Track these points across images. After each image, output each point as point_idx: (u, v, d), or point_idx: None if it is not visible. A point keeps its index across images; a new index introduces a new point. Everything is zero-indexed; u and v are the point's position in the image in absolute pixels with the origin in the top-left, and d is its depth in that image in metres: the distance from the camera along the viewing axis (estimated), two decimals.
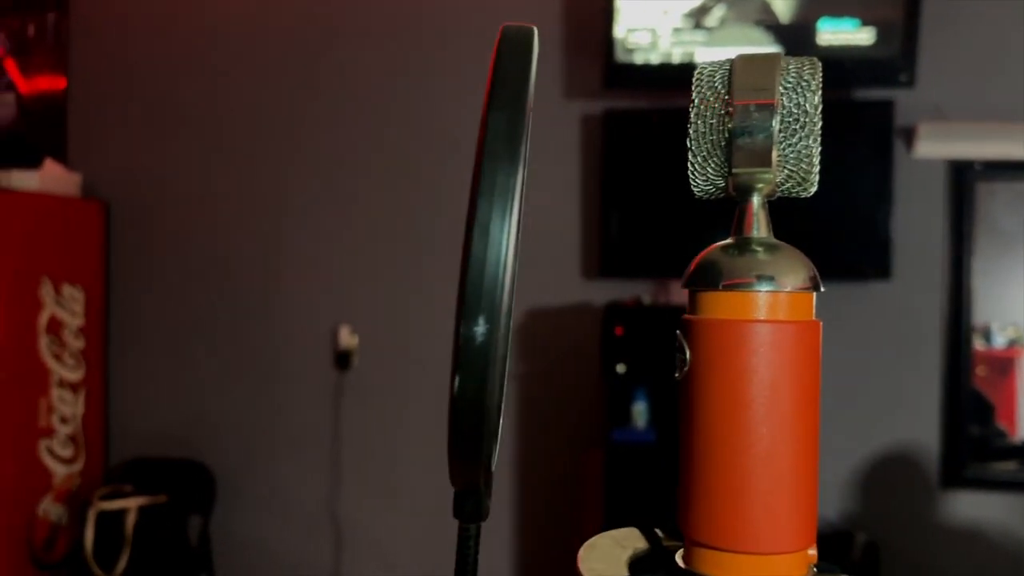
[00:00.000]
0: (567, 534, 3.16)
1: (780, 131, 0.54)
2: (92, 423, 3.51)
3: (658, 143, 2.98)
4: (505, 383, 0.62)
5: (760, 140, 0.54)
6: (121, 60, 3.66)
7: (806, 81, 0.54)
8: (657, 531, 0.64)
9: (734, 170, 0.55)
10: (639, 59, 2.94)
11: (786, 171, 0.55)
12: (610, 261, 3.11)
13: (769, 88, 0.53)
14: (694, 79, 0.56)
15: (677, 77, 2.74)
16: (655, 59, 2.93)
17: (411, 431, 3.28)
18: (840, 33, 2.83)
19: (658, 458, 2.80)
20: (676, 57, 2.92)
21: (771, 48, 2.85)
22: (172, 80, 3.60)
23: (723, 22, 2.90)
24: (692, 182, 0.57)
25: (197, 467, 3.43)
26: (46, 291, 3.32)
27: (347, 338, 3.36)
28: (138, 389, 3.63)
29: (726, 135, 0.55)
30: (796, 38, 2.86)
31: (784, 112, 0.54)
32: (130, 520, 3.19)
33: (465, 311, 0.45)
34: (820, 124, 0.54)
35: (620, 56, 2.95)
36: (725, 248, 0.56)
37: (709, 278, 0.55)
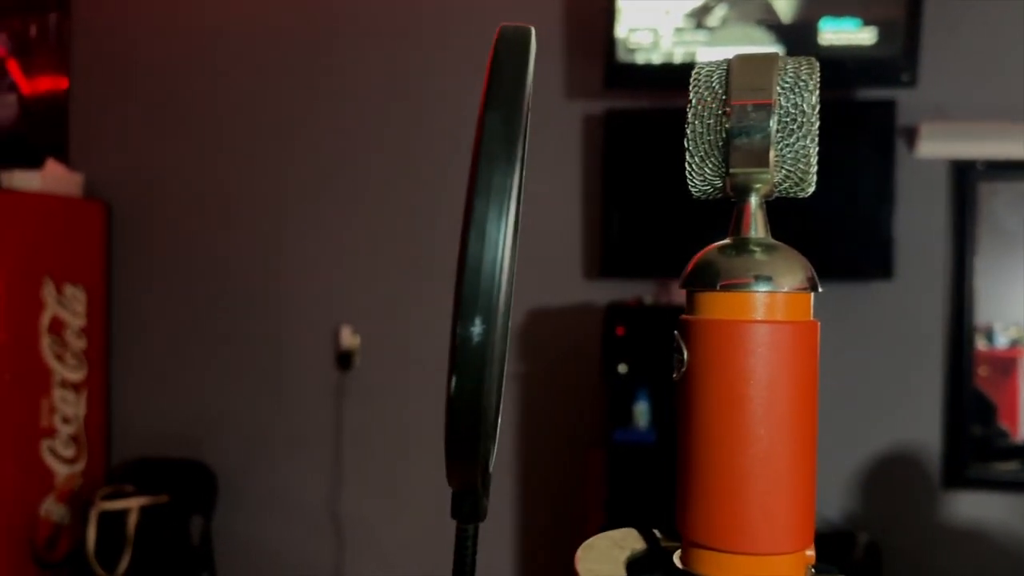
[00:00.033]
0: (569, 534, 3.16)
1: (777, 131, 0.54)
2: (94, 423, 3.51)
3: (660, 143, 2.98)
4: (503, 383, 0.62)
5: (757, 140, 0.54)
6: (123, 61, 3.67)
7: (803, 81, 0.54)
8: (655, 532, 0.64)
9: (731, 170, 0.55)
10: (641, 59, 2.94)
11: (784, 171, 0.55)
12: (611, 261, 3.11)
13: (766, 88, 0.53)
14: (691, 79, 0.56)
15: (679, 77, 2.72)
16: (657, 59, 2.93)
17: (413, 431, 3.28)
18: (842, 33, 2.82)
19: (660, 458, 2.80)
20: (678, 57, 2.92)
21: (773, 48, 2.84)
22: (174, 80, 3.61)
23: (725, 22, 2.90)
24: (690, 182, 0.57)
25: (199, 467, 3.43)
26: (48, 291, 3.32)
27: (349, 338, 3.36)
28: (140, 389, 3.63)
29: (723, 135, 0.55)
30: (798, 38, 2.85)
31: (781, 112, 0.53)
32: (132, 520, 3.19)
33: (461, 311, 0.45)
34: (818, 124, 0.54)
35: (621, 56, 2.94)
36: (723, 248, 0.56)
37: (707, 278, 0.55)
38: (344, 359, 3.36)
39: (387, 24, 3.38)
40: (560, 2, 3.20)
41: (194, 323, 3.57)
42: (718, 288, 0.54)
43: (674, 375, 0.56)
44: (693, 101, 0.56)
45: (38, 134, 3.74)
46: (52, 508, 3.33)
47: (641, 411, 2.89)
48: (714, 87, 0.55)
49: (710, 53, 2.86)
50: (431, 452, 3.14)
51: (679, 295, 3.21)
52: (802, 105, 0.53)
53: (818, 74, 0.54)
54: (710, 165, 0.56)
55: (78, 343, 3.43)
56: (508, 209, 0.45)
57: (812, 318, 0.55)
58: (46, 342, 3.31)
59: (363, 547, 3.39)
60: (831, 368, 2.91)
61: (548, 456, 3.22)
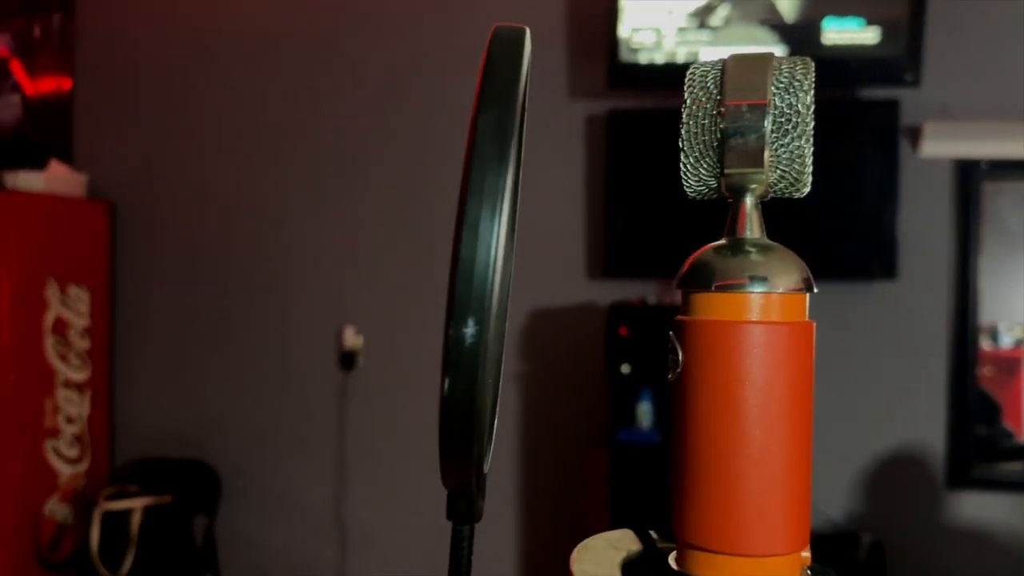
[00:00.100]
0: (572, 534, 3.15)
1: (772, 131, 0.53)
2: (98, 423, 3.52)
3: (663, 143, 2.97)
4: (500, 384, 0.62)
5: (752, 140, 0.53)
6: (126, 61, 3.67)
7: (798, 81, 0.53)
8: (651, 533, 0.64)
9: (726, 171, 0.55)
10: (643, 59, 2.94)
11: (779, 171, 0.54)
12: (615, 261, 3.11)
13: (761, 88, 0.53)
14: (686, 79, 0.56)
15: (682, 77, 2.73)
16: (659, 59, 2.93)
17: (415, 431, 3.28)
18: (845, 32, 2.82)
19: (663, 459, 2.79)
20: (681, 57, 2.91)
21: (776, 48, 2.84)
22: (177, 81, 3.61)
23: (728, 21, 2.90)
24: (685, 183, 0.57)
25: (202, 467, 3.43)
26: (52, 292, 3.33)
27: (352, 339, 3.37)
28: (144, 389, 3.64)
29: (718, 136, 0.54)
30: (801, 37, 2.85)
31: (776, 112, 0.53)
32: (135, 520, 3.19)
33: (454, 312, 0.45)
34: (813, 124, 0.54)
35: (624, 56, 2.94)
36: (718, 249, 0.56)
37: (702, 279, 0.55)
38: (347, 359, 3.36)
39: (390, 24, 3.38)
40: (563, 2, 3.20)
41: (198, 323, 3.58)
42: (713, 289, 0.54)
43: (669, 376, 0.56)
44: (688, 101, 0.56)
45: (42, 135, 3.75)
46: (56, 508, 3.34)
47: (644, 411, 2.89)
48: (709, 87, 0.55)
49: (713, 53, 2.86)
50: (434, 452, 3.12)
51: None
52: (797, 105, 0.53)
53: (813, 74, 0.54)
54: (705, 165, 0.56)
55: (82, 343, 3.44)
56: (501, 210, 0.45)
57: (808, 319, 0.55)
58: (50, 342, 3.32)
59: (366, 547, 3.40)
60: (834, 368, 2.92)
61: (551, 456, 3.22)
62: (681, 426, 0.55)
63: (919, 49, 2.79)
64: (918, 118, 2.88)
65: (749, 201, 0.56)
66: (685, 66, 0.56)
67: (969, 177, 2.93)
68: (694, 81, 0.56)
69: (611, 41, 2.94)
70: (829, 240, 2.91)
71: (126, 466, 3.58)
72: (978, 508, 2.93)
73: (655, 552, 0.61)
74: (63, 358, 3.36)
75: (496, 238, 0.45)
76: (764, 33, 2.86)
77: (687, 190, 0.58)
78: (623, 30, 2.93)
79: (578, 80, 3.19)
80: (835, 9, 2.82)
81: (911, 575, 2.91)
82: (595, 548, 0.61)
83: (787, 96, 0.53)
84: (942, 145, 2.88)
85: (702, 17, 2.90)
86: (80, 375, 3.43)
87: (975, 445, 2.94)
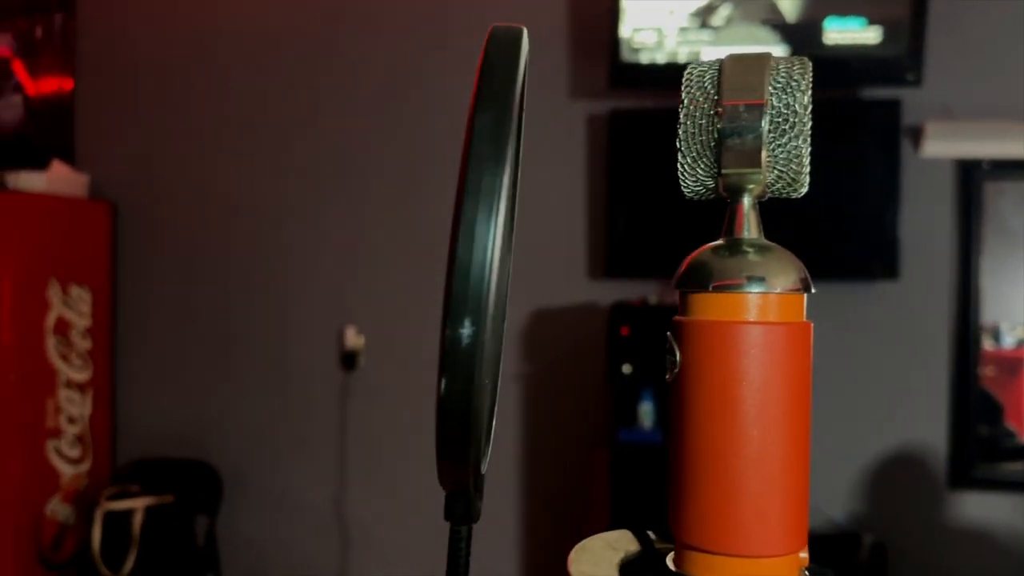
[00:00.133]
0: (573, 535, 3.15)
1: (769, 132, 0.53)
2: (99, 423, 3.52)
3: (664, 143, 2.96)
4: (498, 384, 0.61)
5: (749, 141, 0.53)
6: (128, 61, 3.68)
7: (796, 81, 0.53)
8: (649, 533, 0.63)
9: (724, 171, 0.55)
10: (645, 59, 2.94)
11: (776, 172, 0.54)
12: (616, 261, 3.11)
13: (758, 88, 0.53)
14: (683, 79, 0.56)
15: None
16: (661, 59, 2.92)
17: (417, 431, 3.28)
18: (847, 32, 2.81)
19: (664, 459, 2.79)
20: (682, 56, 2.91)
21: (777, 48, 2.84)
22: (179, 81, 3.61)
23: (729, 21, 2.90)
24: (682, 183, 0.57)
25: (204, 467, 3.44)
26: (53, 292, 3.33)
27: (353, 339, 3.37)
28: (145, 389, 3.64)
29: (715, 136, 0.54)
30: (803, 37, 2.85)
31: (773, 112, 0.53)
32: (137, 520, 3.20)
33: (450, 313, 0.45)
34: (810, 124, 0.53)
35: (626, 56, 2.94)
36: (715, 249, 0.56)
37: (699, 279, 0.54)
38: (348, 359, 3.37)
39: (391, 24, 3.38)
40: (564, 2, 3.20)
41: (199, 323, 3.58)
42: (711, 289, 0.54)
43: (667, 376, 0.56)
44: (685, 101, 0.56)
45: (43, 135, 3.75)
46: (57, 508, 3.34)
47: (646, 411, 2.88)
48: (706, 87, 0.55)
49: (715, 53, 2.85)
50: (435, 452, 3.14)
51: None
52: (794, 105, 0.53)
53: (811, 74, 0.54)
54: (702, 166, 0.56)
55: (83, 343, 3.44)
56: (497, 210, 0.45)
57: (806, 319, 0.55)
58: (51, 342, 3.32)
59: (367, 547, 3.40)
60: (836, 368, 2.92)
61: (552, 456, 3.21)
62: (678, 427, 0.55)
63: (921, 49, 2.78)
64: (920, 118, 2.88)
65: (747, 201, 0.56)
66: (686, 66, 0.56)
67: (971, 177, 2.92)
68: (691, 81, 0.56)
69: (612, 41, 2.94)
70: (831, 240, 2.91)
71: (127, 466, 3.58)
72: (980, 508, 2.93)
73: (653, 553, 0.61)
74: (65, 358, 3.36)
75: (492, 238, 0.45)
76: (766, 33, 2.86)
77: (684, 190, 0.58)
78: (624, 30, 2.93)
79: (579, 80, 3.19)
80: (837, 9, 2.82)
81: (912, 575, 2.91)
82: (593, 549, 0.61)
83: (784, 96, 0.53)
84: (944, 145, 2.88)
85: (704, 17, 2.90)
86: (82, 375, 3.43)
87: (977, 445, 2.93)
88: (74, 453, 3.40)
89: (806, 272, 0.55)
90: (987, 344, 2.95)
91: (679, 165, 0.56)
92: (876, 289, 2.94)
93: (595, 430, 3.14)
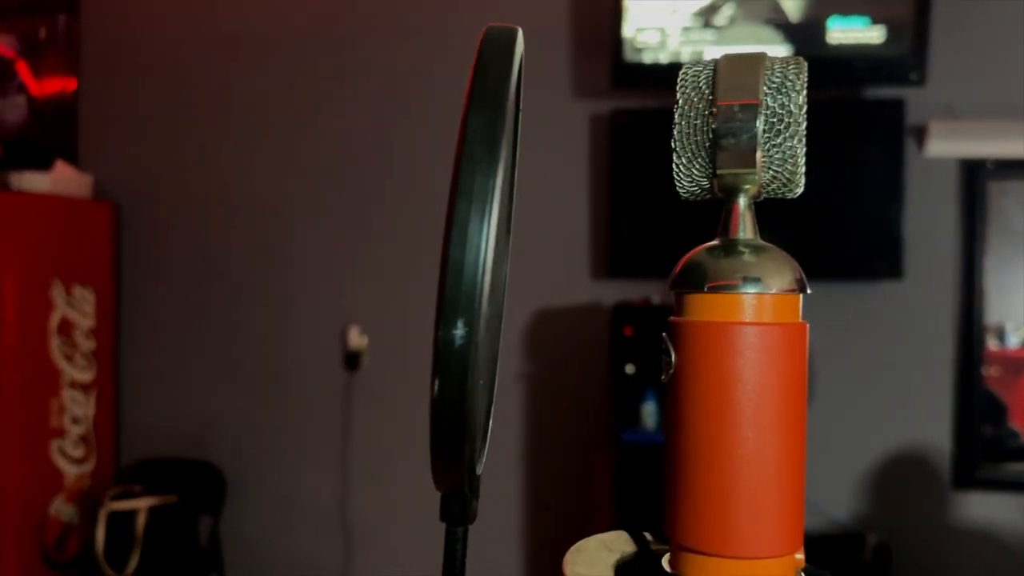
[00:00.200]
0: (576, 535, 3.14)
1: (764, 132, 0.53)
2: (103, 424, 3.52)
3: (667, 143, 2.96)
4: (494, 385, 0.61)
5: (744, 141, 0.53)
6: (132, 61, 3.68)
7: (791, 81, 0.53)
8: (646, 534, 0.63)
9: (719, 171, 0.54)
10: (648, 58, 2.93)
11: (771, 172, 0.54)
12: (619, 261, 3.10)
13: (753, 88, 0.53)
14: (678, 79, 0.56)
15: None
16: (664, 58, 2.92)
17: (420, 432, 3.28)
18: (850, 32, 2.81)
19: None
20: (685, 56, 2.91)
21: (780, 47, 2.83)
22: (182, 82, 3.62)
23: (732, 21, 2.89)
24: (677, 183, 0.57)
25: (207, 467, 3.44)
26: (57, 292, 3.33)
27: (356, 339, 3.37)
28: (149, 390, 3.65)
29: (710, 136, 0.54)
30: (806, 37, 2.84)
31: (768, 113, 0.53)
32: (140, 520, 3.20)
33: (443, 314, 0.45)
34: (805, 125, 0.53)
35: (629, 55, 2.94)
36: (711, 250, 0.56)
37: (694, 280, 0.54)
38: (352, 359, 3.37)
39: (393, 25, 3.38)
40: (567, 1, 3.20)
41: (203, 323, 3.59)
42: (706, 290, 0.54)
43: (663, 377, 0.56)
44: (680, 101, 0.55)
45: (47, 135, 3.76)
46: (61, 508, 3.35)
47: (649, 412, 2.88)
48: (701, 87, 0.55)
49: (718, 52, 2.84)
50: None
51: None
52: (789, 105, 0.53)
53: (806, 74, 0.53)
54: (697, 166, 0.56)
55: (87, 344, 3.45)
56: (491, 211, 0.45)
57: (801, 319, 0.55)
58: (55, 343, 3.33)
59: (370, 547, 3.40)
60: (840, 368, 2.92)
61: (555, 457, 3.21)
62: (674, 427, 0.55)
63: (924, 48, 2.78)
64: (923, 117, 2.87)
65: (742, 202, 0.56)
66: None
67: (975, 176, 2.92)
68: (686, 81, 0.56)
69: (615, 41, 2.94)
70: (834, 240, 2.91)
71: (131, 466, 3.59)
72: (984, 509, 2.92)
73: (649, 554, 0.61)
74: (68, 359, 3.37)
75: (485, 239, 0.44)
76: (769, 32, 2.86)
77: (680, 191, 0.57)
78: (627, 30, 2.93)
79: (582, 80, 3.18)
80: (840, 8, 2.81)
81: None
82: (589, 549, 0.61)
83: (779, 96, 0.53)
84: (948, 144, 2.87)
85: (706, 17, 2.90)
86: (86, 375, 3.43)
87: (981, 445, 2.93)
88: (78, 453, 3.40)
89: (802, 272, 0.55)
90: (991, 344, 2.95)
91: (674, 165, 0.56)
92: (880, 289, 2.94)
93: (598, 431, 3.14)
